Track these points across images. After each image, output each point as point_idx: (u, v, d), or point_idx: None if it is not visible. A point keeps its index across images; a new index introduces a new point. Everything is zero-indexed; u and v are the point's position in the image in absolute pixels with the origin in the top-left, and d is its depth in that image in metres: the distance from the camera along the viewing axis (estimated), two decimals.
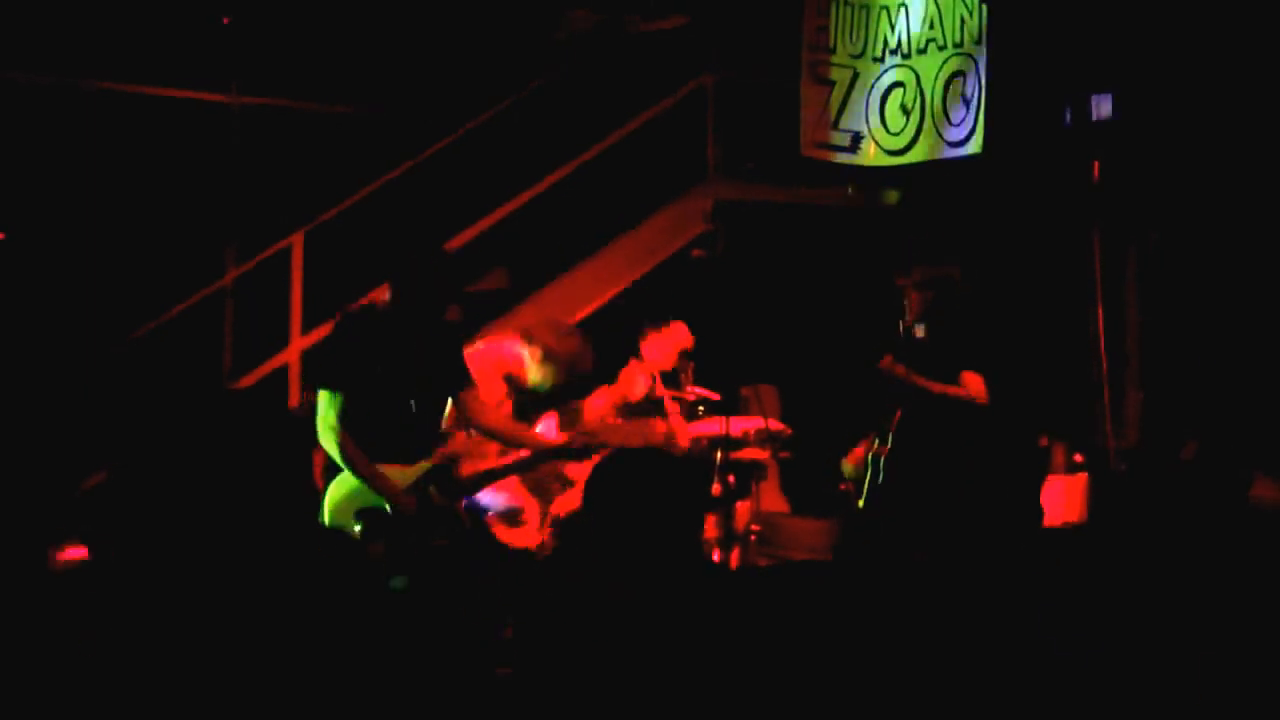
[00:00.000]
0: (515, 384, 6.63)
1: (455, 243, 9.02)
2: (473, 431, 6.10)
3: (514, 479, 6.51)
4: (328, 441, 5.65)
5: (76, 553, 6.13)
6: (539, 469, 6.54)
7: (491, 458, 6.28)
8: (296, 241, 8.89)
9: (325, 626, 5.10)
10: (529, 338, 6.61)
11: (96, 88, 9.28)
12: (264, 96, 9.80)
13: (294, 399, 8.68)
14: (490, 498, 6.49)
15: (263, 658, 4.45)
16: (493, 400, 6.40)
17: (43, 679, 4.11)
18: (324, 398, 5.69)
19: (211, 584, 6.00)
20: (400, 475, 5.72)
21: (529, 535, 6.62)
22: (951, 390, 6.86)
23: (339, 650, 4.91)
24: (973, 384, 6.88)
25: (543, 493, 6.69)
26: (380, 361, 5.71)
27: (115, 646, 4.76)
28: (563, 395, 6.91)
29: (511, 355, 6.62)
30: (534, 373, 6.58)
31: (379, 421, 5.70)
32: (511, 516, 6.57)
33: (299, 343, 8.74)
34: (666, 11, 9.77)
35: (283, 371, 8.72)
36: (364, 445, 5.66)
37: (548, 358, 6.57)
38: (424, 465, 5.79)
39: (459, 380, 5.96)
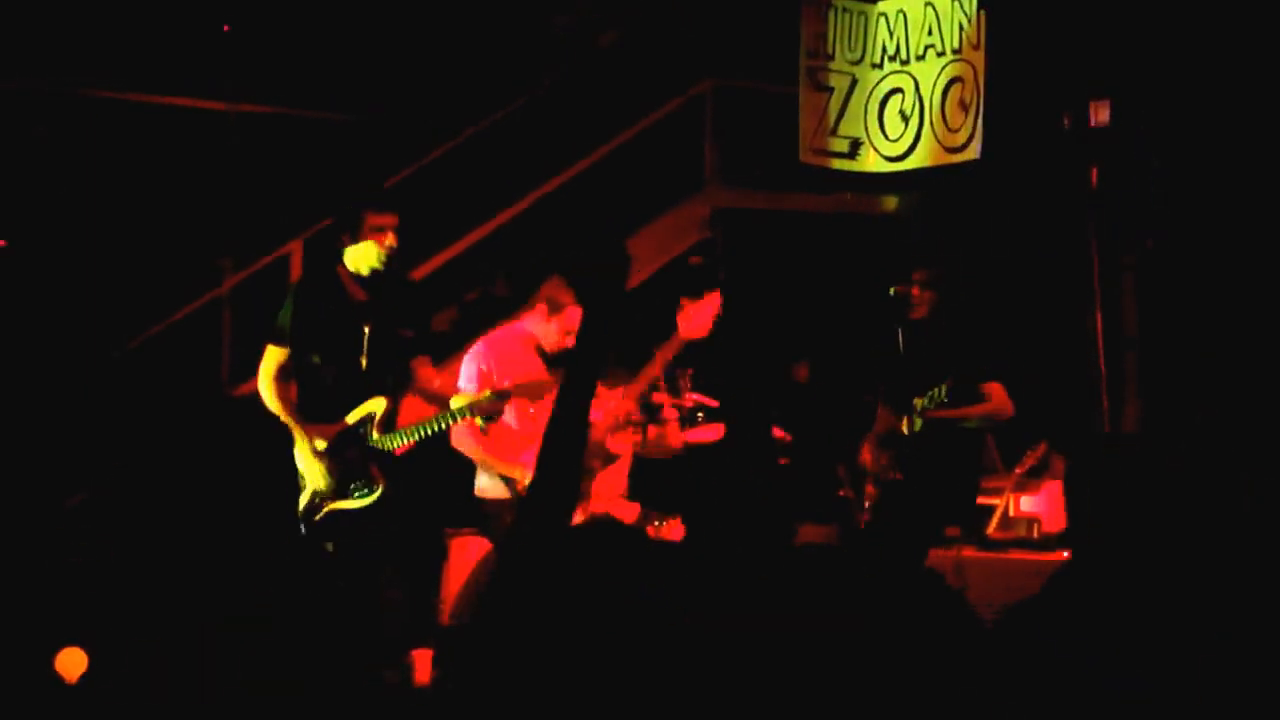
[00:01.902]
0: (547, 355, 6.72)
1: (453, 250, 9.02)
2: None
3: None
4: (265, 391, 5.98)
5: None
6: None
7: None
8: (295, 249, 8.89)
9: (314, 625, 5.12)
10: (545, 302, 6.69)
11: (94, 96, 9.28)
12: (262, 104, 9.80)
13: None
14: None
15: (254, 656, 4.47)
16: (528, 370, 6.59)
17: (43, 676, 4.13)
18: (269, 351, 6.00)
19: (207, 585, 6.02)
20: (320, 434, 5.92)
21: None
22: (977, 411, 6.90)
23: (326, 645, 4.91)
24: (997, 396, 6.91)
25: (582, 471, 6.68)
26: (329, 321, 5.96)
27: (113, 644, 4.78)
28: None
29: (532, 328, 6.76)
30: (554, 330, 6.68)
31: (319, 379, 5.98)
32: None
33: None
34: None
35: None
36: (305, 401, 5.95)
37: (555, 308, 6.71)
38: (344, 423, 5.96)
39: (415, 345, 6.15)
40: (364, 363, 5.96)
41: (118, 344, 8.76)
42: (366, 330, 5.97)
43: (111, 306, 8.99)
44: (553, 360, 6.75)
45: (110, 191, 9.23)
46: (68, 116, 9.16)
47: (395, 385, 6.05)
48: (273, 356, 6.01)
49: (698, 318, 6.77)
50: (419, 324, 6.26)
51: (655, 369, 6.70)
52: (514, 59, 10.17)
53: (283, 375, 5.98)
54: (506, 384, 6.24)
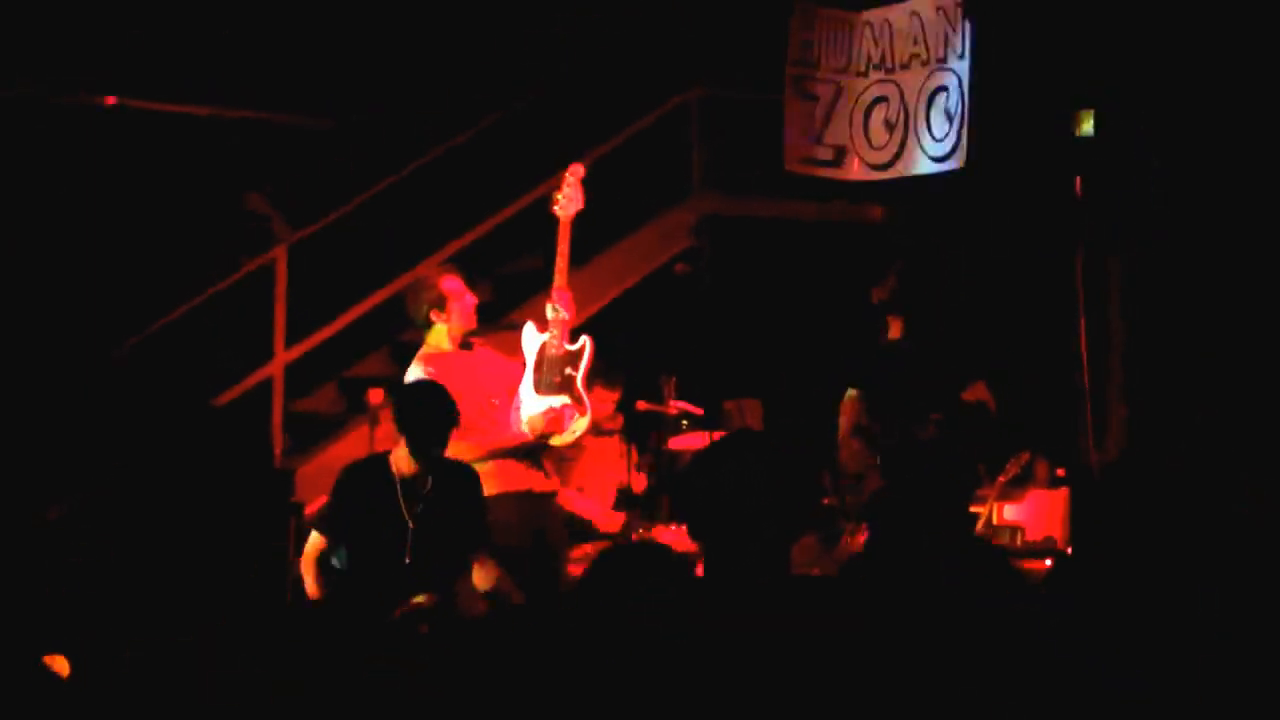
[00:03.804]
0: (465, 347, 6.77)
1: (439, 256, 9.02)
2: None
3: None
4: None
5: None
6: (546, 372, 6.73)
7: None
8: (280, 254, 8.87)
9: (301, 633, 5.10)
10: (432, 309, 6.75)
11: (80, 100, 9.25)
12: (247, 109, 9.78)
13: (277, 412, 8.67)
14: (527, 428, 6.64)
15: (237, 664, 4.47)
16: (468, 378, 6.61)
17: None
18: None
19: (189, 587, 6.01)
20: None
21: (579, 430, 6.73)
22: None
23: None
24: (982, 393, 6.97)
25: (564, 384, 6.72)
26: None
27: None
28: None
29: (440, 340, 6.78)
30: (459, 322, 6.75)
31: None
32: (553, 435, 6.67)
33: (282, 356, 8.72)
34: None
35: (266, 385, 8.69)
36: None
37: (440, 302, 6.75)
38: None
39: None
40: None
41: (103, 349, 8.73)
42: None
43: (97, 312, 8.96)
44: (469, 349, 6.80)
45: (96, 196, 9.20)
46: (58, 121, 9.13)
47: None
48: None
49: (569, 196, 6.92)
50: None
51: (562, 259, 6.90)
52: (501, 65, 10.17)
53: None
54: None
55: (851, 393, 7.53)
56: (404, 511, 5.94)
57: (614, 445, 7.80)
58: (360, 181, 9.45)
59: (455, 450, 6.50)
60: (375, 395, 7.95)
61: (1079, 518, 7.20)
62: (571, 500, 7.52)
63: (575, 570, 7.32)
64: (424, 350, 6.79)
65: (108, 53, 9.24)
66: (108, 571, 6.49)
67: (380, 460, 6.05)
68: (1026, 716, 2.59)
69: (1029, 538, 7.98)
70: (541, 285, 9.16)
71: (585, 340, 6.82)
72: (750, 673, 2.80)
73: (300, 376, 8.98)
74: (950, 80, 7.91)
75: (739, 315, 9.13)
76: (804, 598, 3.02)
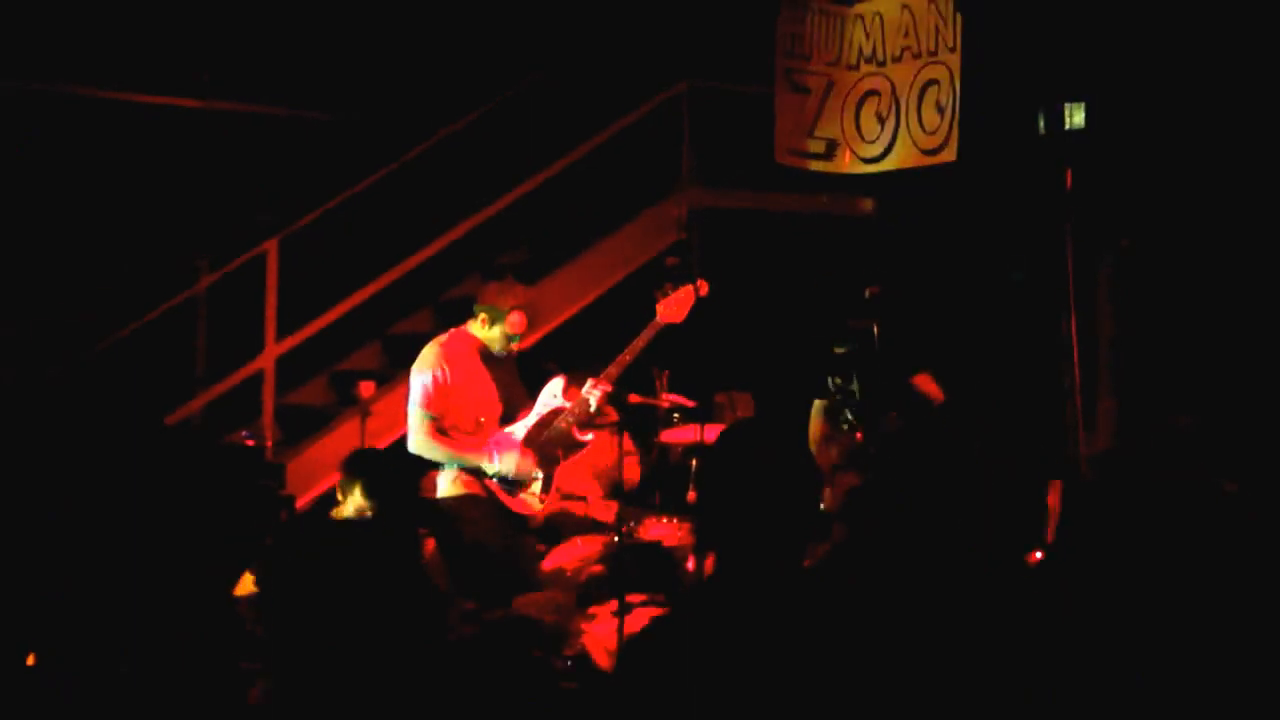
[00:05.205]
0: (490, 355, 6.69)
1: (432, 249, 9.02)
2: None
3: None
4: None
5: None
6: (544, 436, 6.66)
7: None
8: (271, 248, 8.87)
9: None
10: (485, 313, 6.68)
11: (69, 93, 9.24)
12: (239, 102, 9.77)
13: (268, 405, 8.67)
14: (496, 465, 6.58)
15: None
16: (478, 378, 6.63)
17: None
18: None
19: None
20: None
21: (530, 504, 6.67)
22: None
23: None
24: (923, 385, 7.01)
25: (547, 460, 6.70)
26: None
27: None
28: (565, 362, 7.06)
29: (477, 333, 6.72)
30: (498, 335, 6.67)
31: None
32: (512, 485, 6.62)
33: (273, 349, 8.72)
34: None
35: (257, 378, 8.70)
36: None
37: (495, 317, 6.67)
38: None
39: None
40: None
41: (92, 342, 8.73)
42: None
43: (86, 305, 8.95)
44: (499, 362, 6.76)
45: (86, 189, 9.19)
46: (45, 114, 9.11)
47: None
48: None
49: (677, 303, 6.84)
50: None
51: (629, 354, 6.75)
52: (493, 59, 10.16)
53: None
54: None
55: (818, 403, 7.58)
56: None
57: (605, 438, 7.80)
58: (352, 175, 9.44)
59: (420, 444, 6.53)
60: (366, 388, 7.96)
61: (1066, 512, 7.22)
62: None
63: (565, 563, 7.34)
64: (460, 328, 6.77)
65: (96, 46, 9.23)
66: (98, 570, 6.47)
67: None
68: (1011, 709, 2.60)
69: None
70: (531, 278, 9.23)
71: (590, 439, 6.84)
72: (755, 664, 2.81)
73: (291, 369, 8.98)
74: (942, 73, 7.91)
75: (730, 307, 9.13)
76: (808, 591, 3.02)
